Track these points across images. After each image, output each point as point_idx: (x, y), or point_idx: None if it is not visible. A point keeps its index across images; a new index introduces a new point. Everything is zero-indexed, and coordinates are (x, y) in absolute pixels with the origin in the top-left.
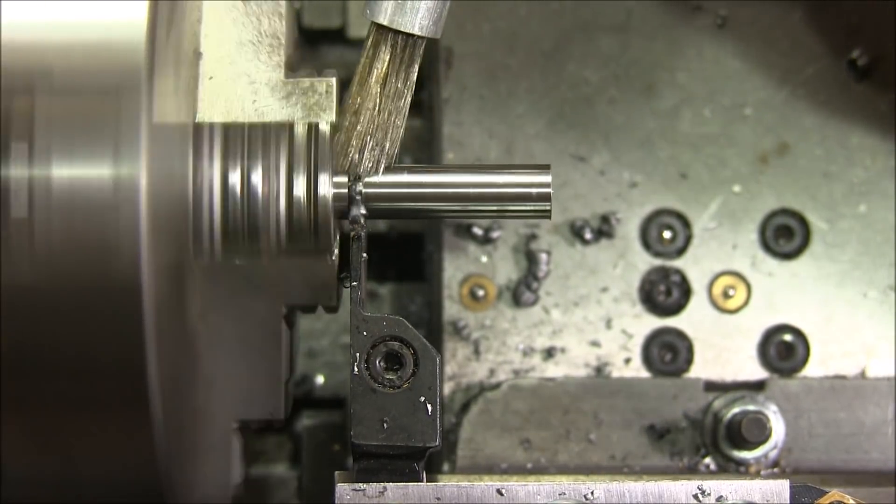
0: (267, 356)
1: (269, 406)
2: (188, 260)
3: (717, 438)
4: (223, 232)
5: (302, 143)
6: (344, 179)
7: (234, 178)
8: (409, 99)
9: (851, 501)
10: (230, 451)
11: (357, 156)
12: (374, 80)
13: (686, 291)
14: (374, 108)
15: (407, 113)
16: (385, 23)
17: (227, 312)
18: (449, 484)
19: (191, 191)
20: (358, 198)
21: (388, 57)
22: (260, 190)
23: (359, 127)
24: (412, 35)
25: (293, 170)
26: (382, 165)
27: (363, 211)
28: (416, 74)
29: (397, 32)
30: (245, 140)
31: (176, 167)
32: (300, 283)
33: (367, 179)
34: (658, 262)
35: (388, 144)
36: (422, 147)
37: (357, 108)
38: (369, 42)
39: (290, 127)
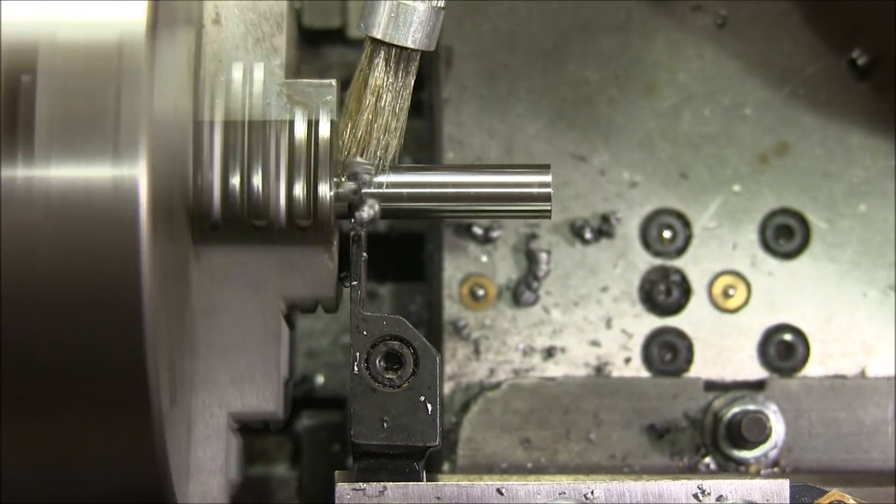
0: (267, 356)
1: (269, 406)
2: (188, 260)
3: (717, 438)
4: (223, 232)
5: (302, 143)
6: (351, 185)
7: (234, 178)
8: (406, 108)
9: (851, 501)
10: (230, 451)
11: (357, 159)
12: (370, 91)
13: (686, 291)
14: (372, 120)
15: (405, 123)
16: (379, 36)
17: (227, 312)
18: (449, 483)
19: (191, 191)
20: (366, 201)
21: (383, 70)
22: (260, 190)
23: (358, 134)
24: (406, 48)
25: (293, 169)
26: (382, 173)
27: (376, 209)
28: (412, 86)
29: (391, 46)
30: (245, 140)
31: (176, 167)
32: (300, 283)
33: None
34: (658, 261)
35: (387, 153)
36: (422, 147)
37: (354, 119)
38: (365, 55)
39: (290, 126)
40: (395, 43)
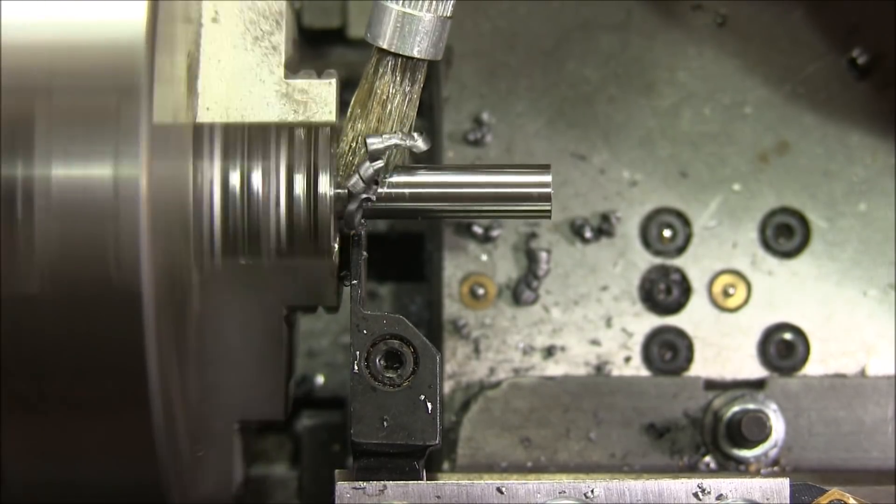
0: (267, 356)
1: (269, 406)
2: (188, 260)
3: (717, 437)
4: (223, 232)
5: (302, 144)
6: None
7: (234, 179)
8: (412, 116)
9: (851, 500)
10: (231, 451)
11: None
12: (376, 100)
13: (686, 290)
14: (377, 128)
15: (412, 129)
16: (385, 46)
17: (227, 313)
18: (449, 482)
19: (191, 191)
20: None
21: (389, 79)
22: (260, 190)
23: (358, 142)
24: (412, 58)
25: (293, 170)
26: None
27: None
28: (419, 94)
29: (398, 55)
30: (245, 140)
31: (176, 168)
32: (300, 284)
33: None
34: (658, 260)
35: (393, 159)
36: None
37: (357, 126)
38: (371, 63)
39: (290, 127)
40: (401, 53)
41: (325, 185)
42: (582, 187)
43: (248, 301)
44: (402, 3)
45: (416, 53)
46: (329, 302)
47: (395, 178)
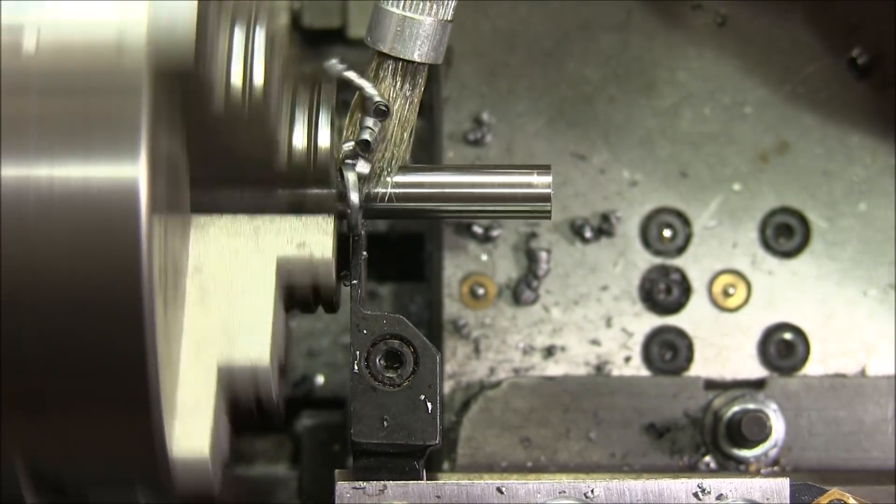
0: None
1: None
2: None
3: (717, 437)
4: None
5: (302, 142)
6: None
7: None
8: (413, 120)
9: (851, 500)
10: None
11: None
12: None
13: (686, 290)
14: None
15: (412, 135)
16: (385, 50)
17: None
18: (449, 482)
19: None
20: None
21: (390, 83)
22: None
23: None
24: (413, 62)
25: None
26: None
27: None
28: (419, 98)
29: (398, 59)
30: None
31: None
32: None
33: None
34: (658, 260)
35: (394, 164)
36: (422, 147)
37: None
38: (371, 67)
39: (290, 126)
40: (402, 57)
41: (325, 134)
42: (582, 187)
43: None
44: (403, 7)
45: (416, 57)
46: (328, 301)
47: (396, 178)
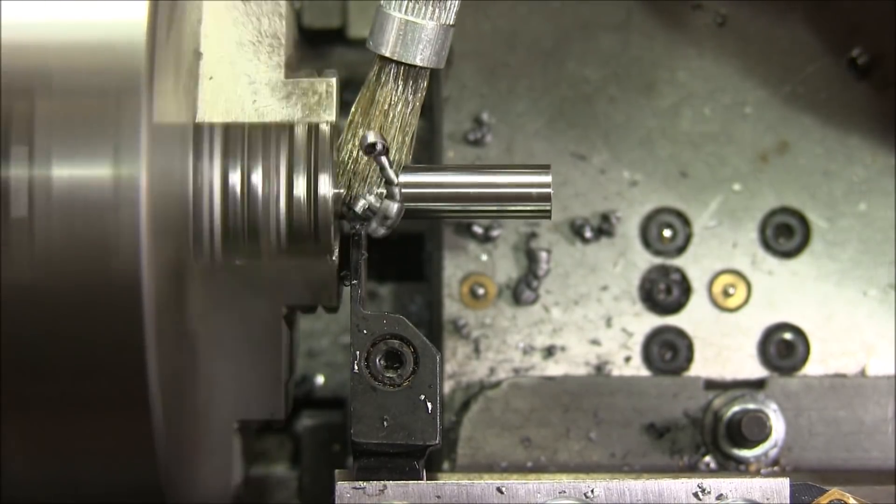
0: (267, 356)
1: (269, 406)
2: (188, 260)
3: (717, 437)
4: (223, 232)
5: (302, 143)
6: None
7: (235, 178)
8: (414, 124)
9: (851, 500)
10: (230, 451)
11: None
12: (378, 108)
13: (686, 290)
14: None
15: (413, 138)
16: (388, 54)
17: (227, 312)
18: (449, 482)
19: (191, 191)
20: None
21: (391, 87)
22: (260, 190)
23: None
24: (415, 66)
25: (293, 170)
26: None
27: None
28: (421, 102)
29: (400, 63)
30: (245, 140)
31: (176, 167)
32: (300, 283)
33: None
34: (658, 260)
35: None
36: (422, 147)
37: (358, 131)
38: (373, 71)
39: (290, 127)
40: (404, 61)
41: (325, 186)
42: (582, 187)
43: (248, 300)
44: (405, 11)
45: (418, 62)
46: (329, 302)
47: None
